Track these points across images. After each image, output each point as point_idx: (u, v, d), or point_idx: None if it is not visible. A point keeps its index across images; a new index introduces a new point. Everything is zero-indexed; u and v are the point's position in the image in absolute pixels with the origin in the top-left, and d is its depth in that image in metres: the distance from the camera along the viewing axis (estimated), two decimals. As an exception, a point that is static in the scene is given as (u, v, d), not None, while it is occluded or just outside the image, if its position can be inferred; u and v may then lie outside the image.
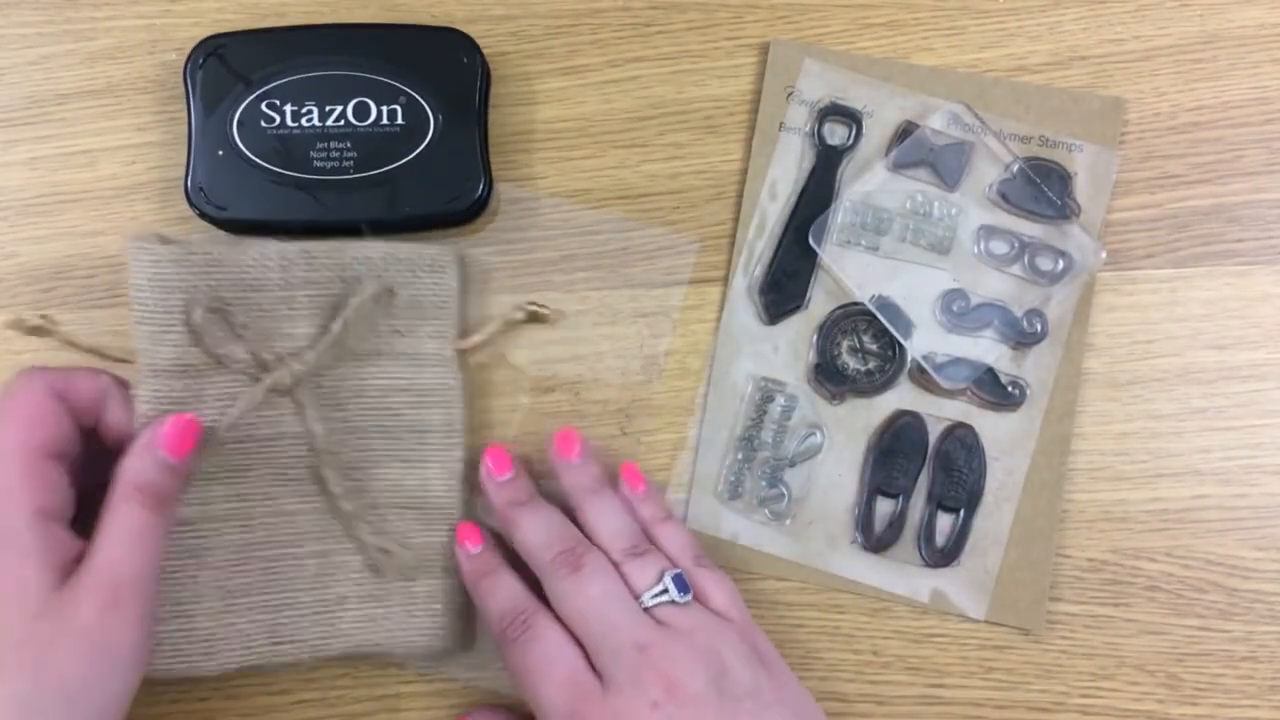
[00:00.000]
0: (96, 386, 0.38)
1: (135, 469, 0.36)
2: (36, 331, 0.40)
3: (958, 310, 0.46)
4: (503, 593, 0.40)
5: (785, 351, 0.46)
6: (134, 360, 0.39)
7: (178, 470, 0.37)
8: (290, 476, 0.40)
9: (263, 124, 0.45)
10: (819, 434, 0.46)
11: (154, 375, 0.39)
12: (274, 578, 0.40)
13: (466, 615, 0.43)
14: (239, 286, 0.40)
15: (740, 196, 0.47)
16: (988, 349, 0.46)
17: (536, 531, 0.41)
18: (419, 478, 0.42)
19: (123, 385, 0.39)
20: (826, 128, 0.47)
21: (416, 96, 0.45)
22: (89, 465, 0.38)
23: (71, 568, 0.34)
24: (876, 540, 0.45)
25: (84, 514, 0.37)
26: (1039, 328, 0.46)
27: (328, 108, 0.45)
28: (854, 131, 0.47)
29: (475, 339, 0.43)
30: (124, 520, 0.35)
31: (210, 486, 0.39)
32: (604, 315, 0.46)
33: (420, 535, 0.42)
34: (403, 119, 0.45)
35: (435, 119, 0.45)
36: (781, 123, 0.47)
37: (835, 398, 0.46)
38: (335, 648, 0.41)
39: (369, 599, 0.41)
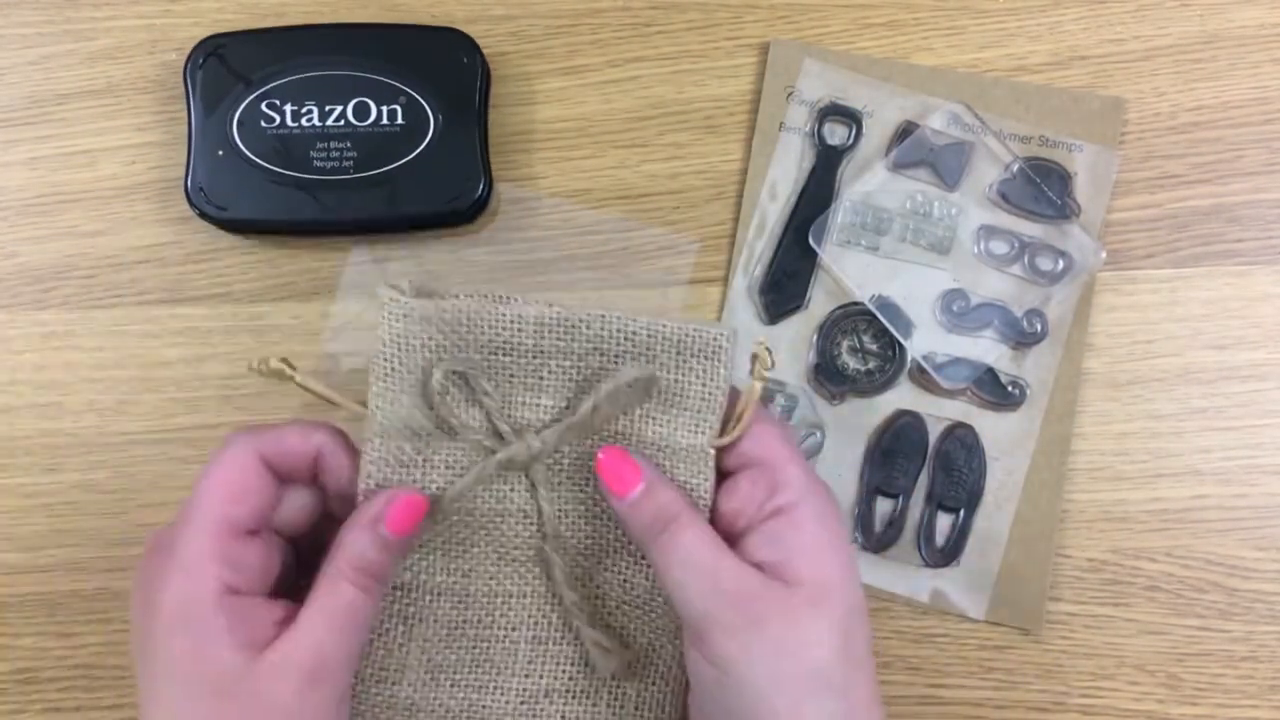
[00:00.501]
0: (309, 447, 0.35)
1: (355, 545, 0.34)
2: (275, 375, 0.36)
3: (958, 310, 0.46)
4: None
5: (785, 351, 0.46)
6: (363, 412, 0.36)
7: (398, 548, 0.35)
8: (513, 556, 0.37)
9: (263, 124, 0.45)
10: (819, 434, 0.46)
11: (384, 435, 0.36)
12: (483, 658, 0.38)
13: None
14: (488, 348, 0.36)
15: (740, 196, 0.47)
16: (988, 349, 0.46)
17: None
18: (650, 578, 0.37)
19: (340, 439, 0.36)
20: (826, 128, 0.47)
21: (416, 96, 0.45)
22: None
23: (269, 637, 0.32)
24: (876, 540, 0.45)
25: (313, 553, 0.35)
26: (1039, 328, 0.46)
27: (328, 108, 0.45)
28: (854, 131, 0.47)
29: (735, 435, 0.36)
30: (335, 598, 0.33)
31: (430, 557, 0.37)
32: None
33: (643, 636, 0.38)
34: (403, 119, 0.45)
35: (435, 119, 0.45)
36: (781, 123, 0.47)
37: (835, 398, 0.46)
38: None
39: (577, 695, 0.38)
